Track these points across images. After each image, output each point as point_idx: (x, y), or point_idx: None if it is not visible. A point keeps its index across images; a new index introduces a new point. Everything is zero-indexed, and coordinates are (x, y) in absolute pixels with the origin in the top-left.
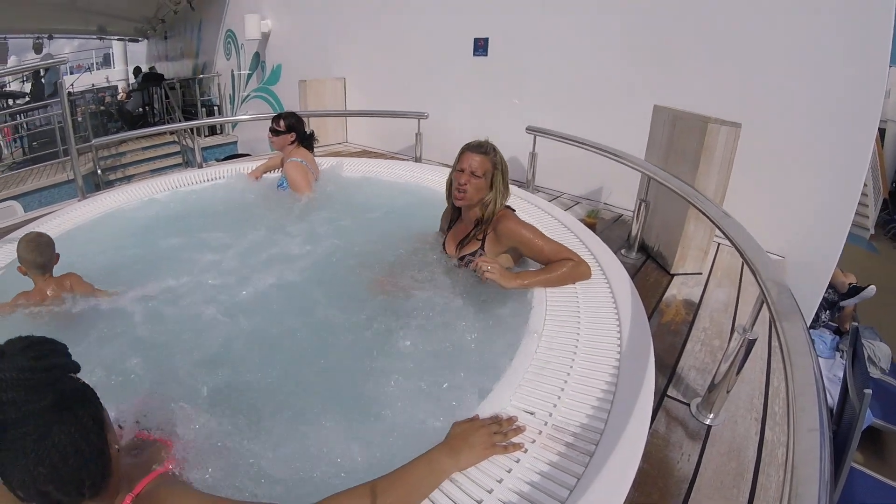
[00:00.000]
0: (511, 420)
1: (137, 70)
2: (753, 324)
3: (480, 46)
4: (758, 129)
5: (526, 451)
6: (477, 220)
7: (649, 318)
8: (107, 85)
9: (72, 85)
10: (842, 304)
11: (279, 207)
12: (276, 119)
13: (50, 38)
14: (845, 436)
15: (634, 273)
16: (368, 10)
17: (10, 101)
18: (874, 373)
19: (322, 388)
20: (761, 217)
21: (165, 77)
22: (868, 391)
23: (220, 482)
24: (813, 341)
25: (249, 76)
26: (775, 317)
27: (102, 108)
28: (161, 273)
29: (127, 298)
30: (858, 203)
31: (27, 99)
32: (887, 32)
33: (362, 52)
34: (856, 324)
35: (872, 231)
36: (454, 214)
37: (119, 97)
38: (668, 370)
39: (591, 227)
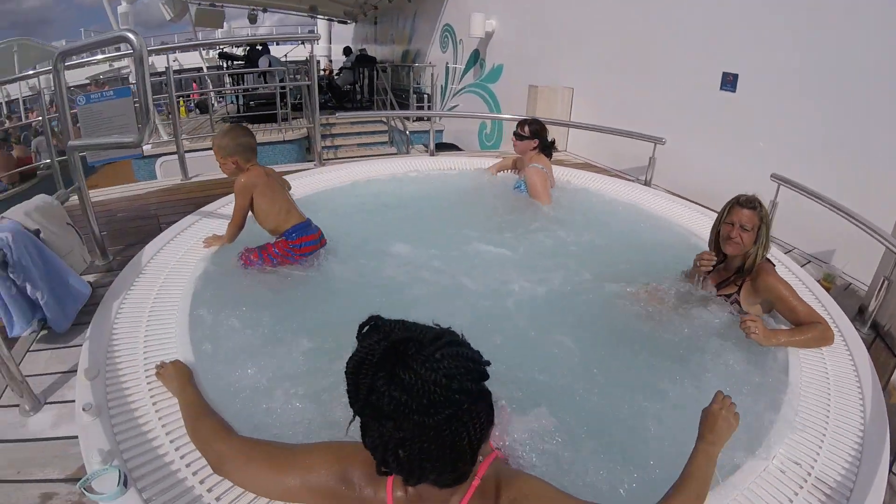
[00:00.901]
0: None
1: (348, 50)
2: None
3: (729, 82)
4: None
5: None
6: (738, 267)
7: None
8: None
9: (286, 56)
10: None
11: (519, 210)
12: (521, 124)
13: (264, 10)
14: None
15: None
16: (604, 25)
17: (230, 63)
18: None
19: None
20: None
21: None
22: None
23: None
24: None
25: (465, 71)
26: None
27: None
28: (412, 251)
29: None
30: None
31: (242, 63)
32: None
33: (592, 65)
34: None
35: None
36: (718, 256)
37: (323, 72)
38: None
39: (826, 291)
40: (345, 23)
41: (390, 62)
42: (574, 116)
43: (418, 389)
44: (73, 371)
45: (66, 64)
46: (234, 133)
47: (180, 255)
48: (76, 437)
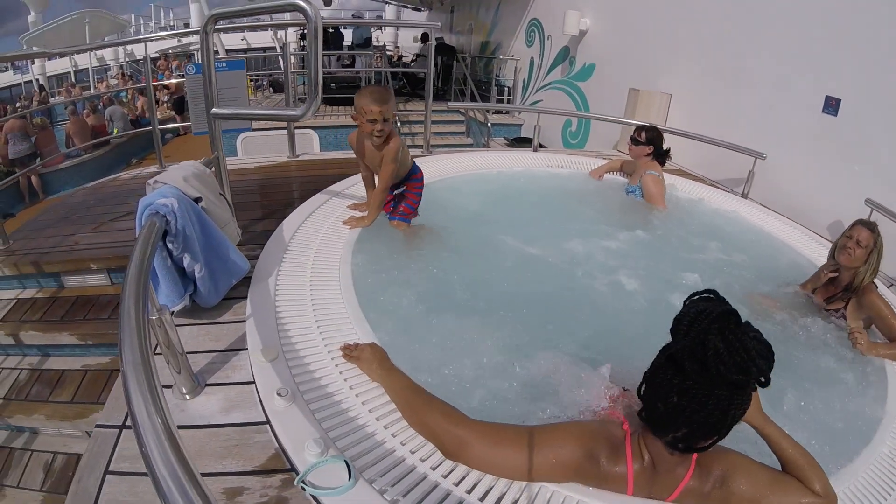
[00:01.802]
0: None
1: (425, 36)
2: None
3: (831, 105)
4: None
5: None
6: (847, 285)
7: None
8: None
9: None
10: None
11: (635, 213)
12: (638, 130)
13: None
14: None
15: None
16: (704, 35)
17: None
18: None
19: None
20: None
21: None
22: None
23: None
24: None
25: (552, 67)
26: None
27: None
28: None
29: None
30: None
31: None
32: None
33: (690, 73)
34: None
35: None
36: (831, 270)
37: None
38: None
39: None
40: (418, 10)
41: (467, 52)
42: (669, 122)
43: (736, 349)
44: (231, 350)
45: (132, 38)
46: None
47: (323, 232)
48: (259, 423)
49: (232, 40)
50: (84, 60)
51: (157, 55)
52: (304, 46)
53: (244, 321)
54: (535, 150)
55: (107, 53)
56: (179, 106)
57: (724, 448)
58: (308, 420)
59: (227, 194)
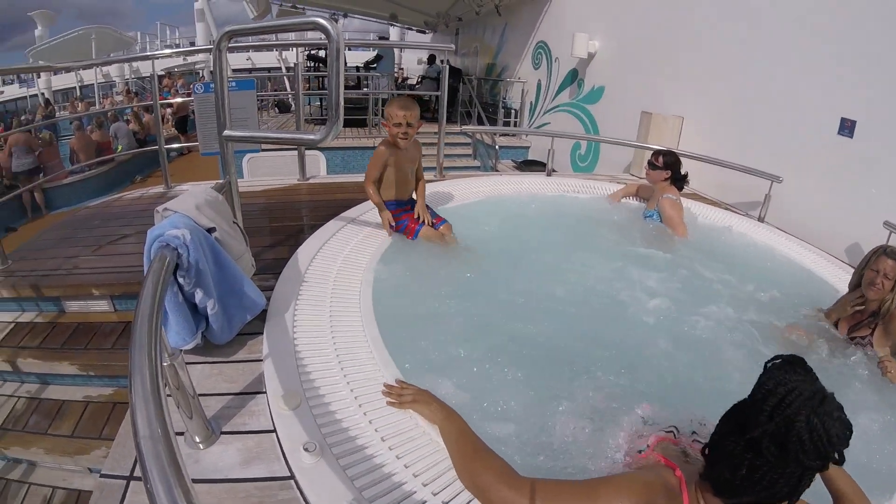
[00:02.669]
0: None
1: (432, 58)
2: None
3: (847, 127)
4: None
5: None
6: (873, 311)
7: None
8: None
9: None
10: None
11: (656, 239)
12: (655, 155)
13: (345, 15)
14: None
15: None
16: (717, 56)
17: (319, 65)
18: None
19: None
20: None
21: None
22: None
23: None
24: None
25: (560, 90)
26: None
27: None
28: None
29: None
30: None
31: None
32: None
33: (702, 96)
34: None
35: None
36: (857, 300)
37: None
38: None
39: None
40: (423, 32)
41: (473, 75)
42: (682, 145)
43: (819, 436)
44: (248, 393)
45: (140, 55)
46: None
47: (340, 260)
48: (282, 478)
49: (237, 60)
50: (90, 76)
51: (162, 73)
52: (309, 67)
53: (261, 360)
54: (548, 175)
55: (112, 70)
56: (182, 125)
57: None
58: (339, 478)
59: (240, 222)
